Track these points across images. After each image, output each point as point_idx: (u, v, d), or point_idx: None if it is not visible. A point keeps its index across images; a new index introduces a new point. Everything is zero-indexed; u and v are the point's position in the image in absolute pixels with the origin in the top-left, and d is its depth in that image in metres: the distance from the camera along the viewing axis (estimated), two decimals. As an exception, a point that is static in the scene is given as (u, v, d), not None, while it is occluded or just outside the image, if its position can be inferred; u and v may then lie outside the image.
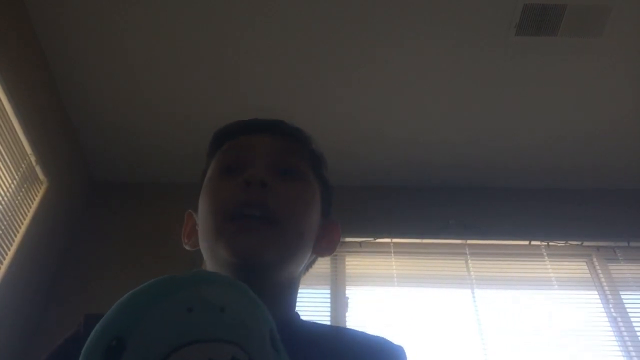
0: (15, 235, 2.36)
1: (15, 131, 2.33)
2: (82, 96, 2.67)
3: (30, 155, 2.45)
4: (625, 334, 2.56)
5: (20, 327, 2.36)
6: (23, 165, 2.41)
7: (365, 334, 0.73)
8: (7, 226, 2.29)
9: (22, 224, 2.42)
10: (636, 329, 2.57)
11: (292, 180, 0.73)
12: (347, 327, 0.75)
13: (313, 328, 0.74)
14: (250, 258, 0.66)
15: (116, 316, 0.43)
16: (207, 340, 0.39)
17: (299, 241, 0.71)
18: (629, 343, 2.53)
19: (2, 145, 2.24)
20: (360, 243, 2.82)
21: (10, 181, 2.30)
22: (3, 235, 2.26)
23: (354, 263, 2.82)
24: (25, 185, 2.43)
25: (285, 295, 0.72)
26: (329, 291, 2.70)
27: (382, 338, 0.71)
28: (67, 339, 0.65)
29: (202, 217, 0.74)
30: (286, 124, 0.80)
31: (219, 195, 0.72)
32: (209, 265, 0.73)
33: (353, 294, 2.70)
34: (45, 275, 2.58)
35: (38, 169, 2.52)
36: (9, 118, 2.28)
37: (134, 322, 0.41)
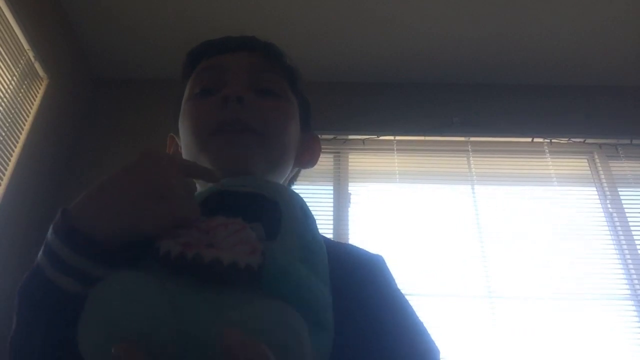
0: (20, 133, 2.38)
1: (11, 25, 2.26)
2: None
3: (28, 51, 2.40)
4: (619, 228, 2.63)
5: (25, 225, 2.41)
6: (22, 62, 2.37)
7: (350, 246, 0.75)
8: (10, 124, 2.29)
9: (26, 121, 2.42)
10: (630, 223, 2.64)
11: (269, 97, 0.73)
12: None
13: None
14: (237, 168, 0.66)
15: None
16: None
17: (283, 152, 0.73)
18: (622, 237, 2.61)
19: (-2, 41, 2.19)
20: (363, 140, 2.83)
21: (10, 78, 2.28)
22: (8, 132, 2.28)
23: (357, 160, 2.84)
24: (25, 83, 2.40)
25: None
26: (332, 187, 2.75)
27: (362, 250, 0.73)
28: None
29: (184, 136, 0.74)
30: (259, 40, 0.79)
31: (199, 114, 0.72)
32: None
33: (355, 190, 2.76)
34: (52, 170, 2.63)
35: (37, 65, 2.48)
36: (3, 12, 2.21)
37: None
